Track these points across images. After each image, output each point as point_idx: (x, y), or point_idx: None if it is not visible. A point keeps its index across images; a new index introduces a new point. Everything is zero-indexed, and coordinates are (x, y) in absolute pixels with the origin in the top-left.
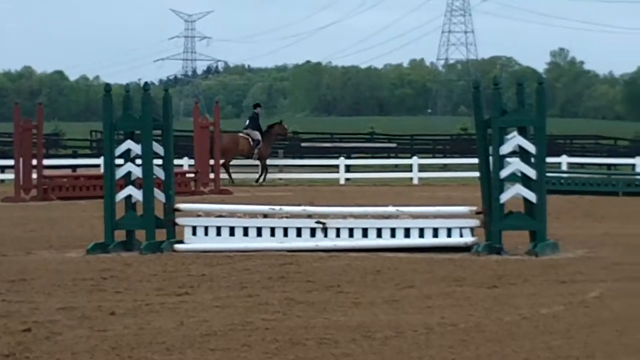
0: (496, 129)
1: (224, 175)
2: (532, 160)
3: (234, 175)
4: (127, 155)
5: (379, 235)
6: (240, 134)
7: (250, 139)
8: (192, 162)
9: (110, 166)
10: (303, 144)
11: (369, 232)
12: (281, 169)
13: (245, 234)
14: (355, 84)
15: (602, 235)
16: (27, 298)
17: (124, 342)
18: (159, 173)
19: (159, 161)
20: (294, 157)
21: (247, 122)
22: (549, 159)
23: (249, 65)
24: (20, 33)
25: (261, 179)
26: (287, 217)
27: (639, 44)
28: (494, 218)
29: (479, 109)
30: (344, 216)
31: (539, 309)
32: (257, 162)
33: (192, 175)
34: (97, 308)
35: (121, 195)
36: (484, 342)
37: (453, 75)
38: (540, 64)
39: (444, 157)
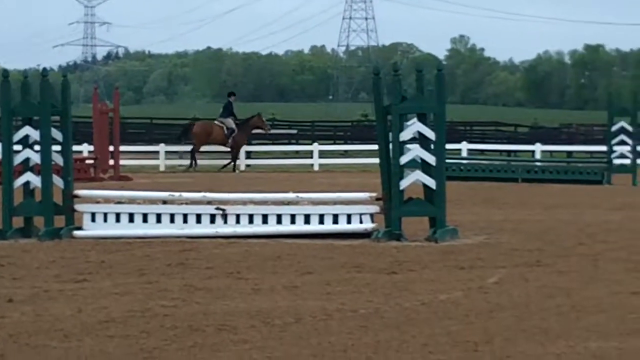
0: (396, 115)
1: (124, 162)
2: (432, 146)
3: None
4: (25, 142)
5: (279, 221)
6: (215, 122)
7: (224, 127)
8: (91, 148)
9: (9, 152)
10: None
11: (269, 218)
12: (181, 155)
13: (145, 220)
14: (256, 70)
15: (502, 221)
16: None
17: (22, 329)
18: (58, 159)
19: (58, 147)
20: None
21: (222, 110)
22: (449, 146)
23: (149, 51)
24: None
25: (232, 166)
26: (186, 204)
27: (539, 31)
28: (394, 204)
29: (379, 95)
30: (244, 202)
31: (438, 295)
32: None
33: (92, 161)
34: None
35: (19, 181)
36: (383, 328)
37: (354, 61)
38: (441, 51)
39: (345, 143)
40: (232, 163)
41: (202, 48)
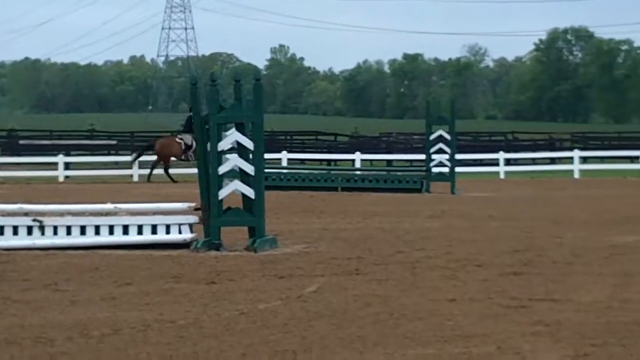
0: (214, 125)
1: None
2: (250, 156)
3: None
4: None
5: (97, 232)
6: (177, 138)
7: (182, 143)
8: None
9: None
10: (21, 142)
11: (87, 229)
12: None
13: None
14: (75, 81)
15: (321, 230)
16: None
17: None
18: None
19: None
20: (11, 155)
21: (183, 125)
22: (270, 155)
23: None
24: None
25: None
26: (2, 215)
27: (359, 41)
28: (213, 214)
29: (196, 105)
30: (62, 214)
31: (257, 304)
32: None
33: None
34: None
35: None
36: (202, 338)
37: (174, 71)
38: (261, 61)
39: None
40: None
41: (19, 58)
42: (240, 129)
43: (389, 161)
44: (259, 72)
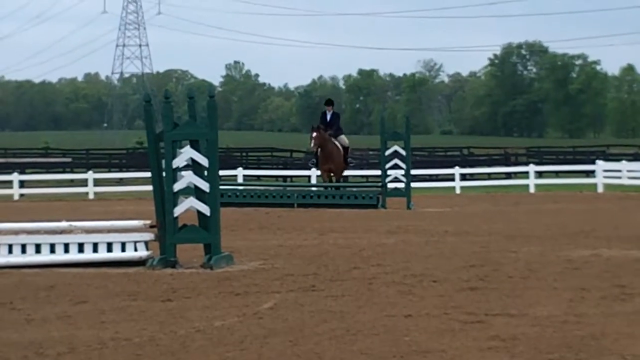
0: (168, 142)
1: None
2: (205, 173)
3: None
4: None
5: (53, 250)
6: None
7: None
8: None
9: None
10: None
11: (42, 247)
12: None
13: None
14: (29, 99)
15: (277, 246)
16: None
17: None
18: None
19: None
20: None
21: None
22: (225, 172)
23: None
24: None
25: None
26: None
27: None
28: (168, 231)
29: (150, 122)
30: (16, 232)
31: (213, 322)
32: None
33: None
34: None
35: None
36: (158, 356)
37: (129, 88)
38: (216, 77)
39: (120, 171)
40: None
41: None
42: (195, 145)
43: (345, 177)
44: (213, 89)
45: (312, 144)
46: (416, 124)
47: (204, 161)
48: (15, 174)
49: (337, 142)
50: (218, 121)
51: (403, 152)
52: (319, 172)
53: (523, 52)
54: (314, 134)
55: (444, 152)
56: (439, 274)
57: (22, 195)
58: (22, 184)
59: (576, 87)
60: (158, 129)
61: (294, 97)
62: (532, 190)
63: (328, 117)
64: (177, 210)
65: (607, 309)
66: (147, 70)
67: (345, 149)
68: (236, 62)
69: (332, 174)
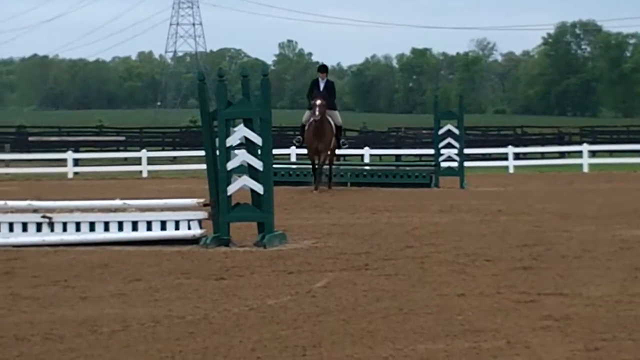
0: (222, 120)
1: None
2: (259, 151)
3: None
4: None
5: (107, 229)
6: None
7: None
8: None
9: None
10: (30, 138)
11: (96, 225)
12: (7, 163)
13: None
14: (83, 77)
15: (330, 225)
16: None
17: None
18: None
19: None
20: (21, 152)
21: None
22: (279, 151)
23: None
24: None
25: None
26: (12, 212)
27: (367, 36)
28: (222, 210)
29: (204, 101)
30: (71, 210)
31: (266, 300)
32: None
33: None
34: None
35: None
36: (211, 334)
37: (182, 67)
38: (269, 56)
39: (174, 149)
40: None
41: (28, 55)
42: (249, 124)
43: (398, 156)
44: (266, 68)
45: (316, 112)
46: (469, 103)
47: (257, 140)
48: (70, 152)
49: (330, 119)
50: (271, 100)
51: (456, 131)
52: (372, 152)
53: (577, 31)
54: (318, 102)
55: (497, 131)
56: (492, 253)
57: (76, 173)
58: (76, 163)
59: (630, 66)
60: (212, 107)
61: (347, 75)
62: (585, 169)
63: (321, 86)
64: (231, 189)
65: None
66: (200, 49)
67: (338, 127)
68: (289, 41)
69: (320, 155)
